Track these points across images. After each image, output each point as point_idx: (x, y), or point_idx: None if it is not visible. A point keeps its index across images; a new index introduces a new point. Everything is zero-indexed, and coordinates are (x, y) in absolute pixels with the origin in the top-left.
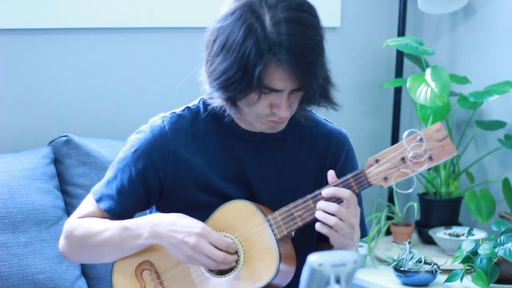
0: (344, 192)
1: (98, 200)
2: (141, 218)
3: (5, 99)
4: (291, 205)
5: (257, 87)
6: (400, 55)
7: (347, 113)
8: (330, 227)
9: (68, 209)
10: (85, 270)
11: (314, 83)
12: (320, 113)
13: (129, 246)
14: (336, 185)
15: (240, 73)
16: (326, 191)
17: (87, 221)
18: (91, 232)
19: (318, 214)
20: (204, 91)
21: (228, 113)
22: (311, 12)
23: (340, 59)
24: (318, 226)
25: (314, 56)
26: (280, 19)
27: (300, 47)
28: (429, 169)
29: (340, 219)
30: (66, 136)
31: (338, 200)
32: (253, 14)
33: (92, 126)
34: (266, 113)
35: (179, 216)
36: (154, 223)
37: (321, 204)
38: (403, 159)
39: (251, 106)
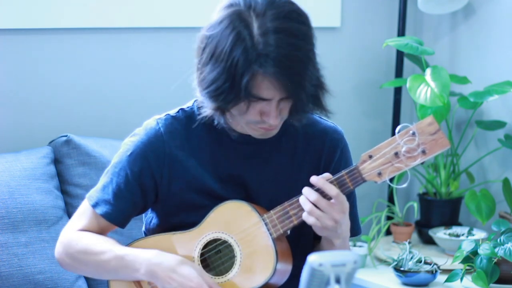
0: (331, 190)
1: (94, 205)
2: (140, 251)
3: (5, 99)
4: (286, 203)
5: (245, 97)
6: (400, 55)
7: (347, 113)
8: (313, 217)
9: (68, 209)
10: None
11: (302, 93)
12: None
13: (124, 275)
14: (330, 182)
15: (228, 84)
16: (314, 181)
17: (86, 237)
18: (89, 250)
19: (300, 199)
20: (198, 97)
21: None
22: (301, 20)
23: (340, 59)
24: (303, 215)
25: (302, 66)
26: (268, 29)
27: (287, 59)
28: (429, 169)
29: (320, 210)
30: (66, 136)
31: (326, 196)
32: (241, 22)
33: (92, 126)
34: (257, 120)
35: (179, 262)
36: (152, 262)
37: (304, 190)
38: (396, 154)
39: (241, 114)
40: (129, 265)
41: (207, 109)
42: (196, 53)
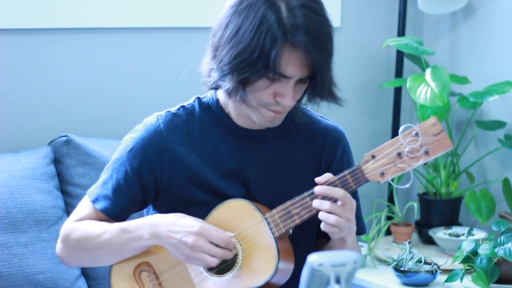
0: (338, 192)
1: (94, 201)
2: (140, 219)
3: (5, 99)
4: (288, 202)
5: (271, 71)
6: (400, 55)
7: (347, 113)
8: (332, 225)
9: (68, 209)
10: (85, 270)
11: (326, 71)
12: (322, 111)
13: (128, 248)
14: (333, 182)
15: (256, 55)
16: (319, 190)
17: (84, 224)
18: (89, 235)
19: (320, 215)
20: (204, 82)
21: (227, 105)
22: (323, 6)
23: (340, 59)
24: (322, 226)
25: (329, 43)
26: (295, 6)
27: (316, 32)
28: (429, 169)
29: (337, 215)
30: (66, 136)
31: (332, 199)
32: (268, 0)
33: (92, 126)
34: (269, 101)
35: (178, 216)
36: (152, 224)
37: (315, 202)
38: (399, 154)
39: (256, 92)
40: (132, 235)
41: (227, 84)
42: (214, 33)
